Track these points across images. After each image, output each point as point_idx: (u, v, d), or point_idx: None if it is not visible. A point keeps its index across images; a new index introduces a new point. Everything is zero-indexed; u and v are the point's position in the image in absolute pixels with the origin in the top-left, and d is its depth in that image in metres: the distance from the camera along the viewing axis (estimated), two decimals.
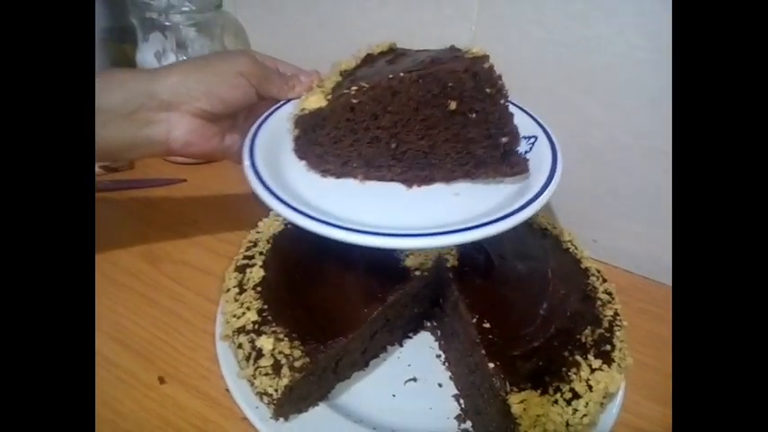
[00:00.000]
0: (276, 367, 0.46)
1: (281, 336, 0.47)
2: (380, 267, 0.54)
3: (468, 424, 0.52)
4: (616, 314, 0.54)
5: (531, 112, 0.59)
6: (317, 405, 0.51)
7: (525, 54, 0.66)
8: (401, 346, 0.60)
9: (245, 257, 0.57)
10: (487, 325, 0.49)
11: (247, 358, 0.48)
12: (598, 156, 0.68)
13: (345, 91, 0.51)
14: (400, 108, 0.49)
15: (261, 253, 0.57)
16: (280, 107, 0.59)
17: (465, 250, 0.56)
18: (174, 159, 0.85)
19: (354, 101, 0.50)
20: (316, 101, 0.52)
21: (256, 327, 0.49)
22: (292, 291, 0.53)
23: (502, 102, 0.48)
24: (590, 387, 0.46)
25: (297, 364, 0.46)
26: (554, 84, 0.67)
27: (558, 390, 0.45)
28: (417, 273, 0.54)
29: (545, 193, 0.48)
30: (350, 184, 0.54)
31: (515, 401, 0.43)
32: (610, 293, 0.56)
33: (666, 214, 0.68)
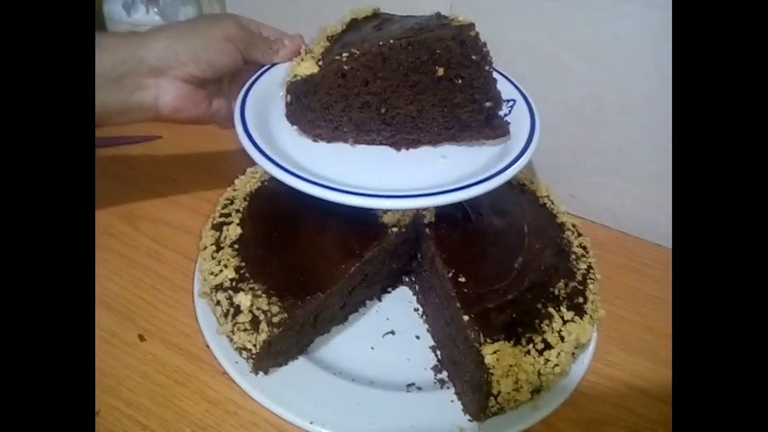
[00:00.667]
0: (254, 323, 0.46)
1: (259, 292, 0.48)
2: (358, 224, 0.54)
3: (444, 374, 0.53)
4: (590, 267, 0.55)
5: (509, 76, 0.60)
6: (297, 359, 0.52)
7: (508, 8, 0.65)
8: (380, 300, 0.60)
9: (222, 215, 0.56)
10: (462, 279, 0.50)
11: (225, 315, 0.48)
12: (579, 112, 0.68)
13: (336, 57, 0.51)
14: (390, 74, 0.51)
15: (237, 210, 0.56)
16: (266, 71, 0.59)
17: (442, 207, 0.56)
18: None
19: (346, 67, 0.51)
20: (307, 67, 0.52)
21: (234, 284, 0.49)
22: (270, 248, 0.53)
23: (487, 68, 0.50)
24: (562, 338, 0.47)
25: (275, 319, 0.46)
26: (535, 39, 0.65)
27: (530, 341, 0.46)
28: (395, 229, 0.54)
29: (523, 156, 0.50)
30: (341, 147, 0.55)
31: (488, 352, 0.45)
32: (584, 247, 0.57)
33: (645, 170, 0.69)
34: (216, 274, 0.50)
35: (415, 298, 0.61)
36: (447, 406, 0.50)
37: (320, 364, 0.52)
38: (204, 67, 0.54)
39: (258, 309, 0.47)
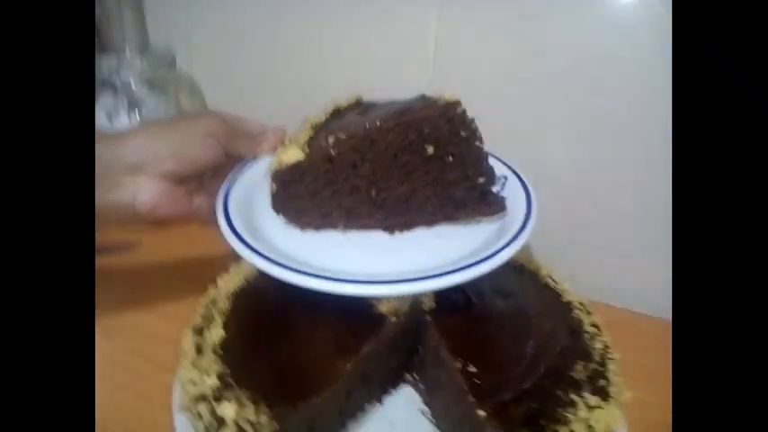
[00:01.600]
0: None
1: (246, 400, 0.42)
2: (352, 316, 0.50)
3: None
4: (606, 347, 0.50)
5: (496, 154, 0.59)
6: None
7: (486, 90, 0.66)
8: (380, 403, 0.54)
9: (203, 318, 0.52)
10: (473, 369, 0.45)
11: (207, 430, 0.42)
12: (567, 190, 0.67)
13: (323, 143, 0.50)
14: (379, 156, 0.50)
15: (221, 312, 0.52)
16: (248, 164, 0.58)
17: (442, 291, 0.52)
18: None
19: (333, 152, 0.49)
20: (293, 154, 0.51)
21: (217, 393, 0.43)
22: (256, 350, 0.48)
23: (477, 143, 0.49)
24: (590, 428, 0.42)
25: (264, 431, 0.40)
26: (516, 120, 0.66)
27: None
28: (393, 319, 0.50)
29: (524, 231, 0.48)
30: (331, 235, 0.53)
31: None
32: (596, 326, 0.53)
33: (644, 243, 0.68)
34: (197, 384, 0.44)
35: (420, 398, 0.55)
36: None
37: None
38: (184, 162, 0.52)
39: (245, 420, 0.41)
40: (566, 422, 0.42)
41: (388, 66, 0.73)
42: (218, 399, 0.43)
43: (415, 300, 0.52)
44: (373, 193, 0.51)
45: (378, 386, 0.53)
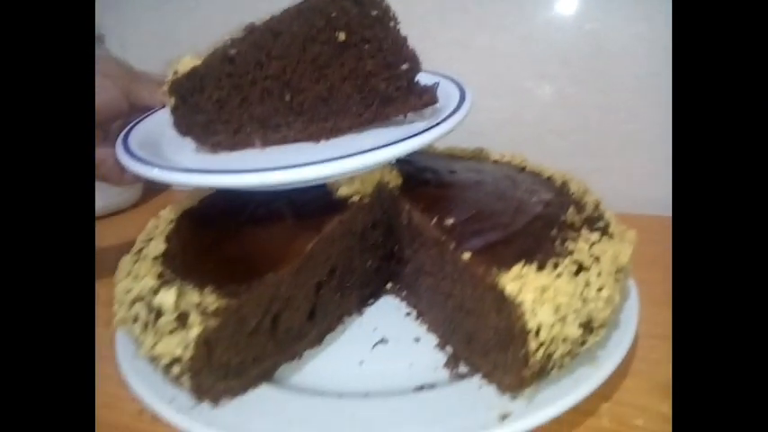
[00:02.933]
0: (181, 319, 0.33)
1: (188, 288, 0.35)
2: (310, 207, 0.44)
3: (462, 368, 0.39)
4: (599, 202, 0.45)
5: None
6: (257, 386, 0.37)
7: None
8: (360, 314, 0.47)
9: (142, 242, 0.45)
10: (451, 220, 0.39)
11: (145, 327, 0.35)
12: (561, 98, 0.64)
13: (220, 44, 0.43)
14: (286, 50, 0.43)
15: (162, 232, 0.45)
16: (155, 112, 0.50)
17: (408, 169, 0.47)
18: None
19: (232, 51, 0.43)
20: (189, 62, 0.44)
21: (154, 290, 0.36)
22: (203, 252, 0.41)
23: (392, 24, 0.43)
24: (596, 258, 0.36)
25: (210, 308, 0.33)
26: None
27: (557, 265, 0.35)
28: (355, 198, 0.44)
29: (461, 109, 0.43)
30: (248, 155, 0.45)
31: (509, 280, 0.33)
32: (585, 191, 0.47)
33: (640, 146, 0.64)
34: (130, 290, 0.37)
35: (404, 303, 0.48)
36: (475, 394, 0.36)
37: (292, 389, 0.38)
38: None
39: (189, 304, 0.34)
40: (567, 254, 0.36)
41: None
42: (156, 292, 0.36)
43: (379, 181, 0.46)
44: (287, 96, 0.44)
45: (354, 294, 0.47)
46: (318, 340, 0.44)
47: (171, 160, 0.43)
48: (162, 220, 0.47)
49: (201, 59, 0.43)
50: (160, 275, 0.37)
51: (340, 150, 0.38)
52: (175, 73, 0.43)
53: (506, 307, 0.32)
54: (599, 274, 0.35)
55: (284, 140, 0.45)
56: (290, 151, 0.44)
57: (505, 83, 0.68)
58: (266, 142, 0.45)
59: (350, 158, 0.36)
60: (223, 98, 0.44)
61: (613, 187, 0.46)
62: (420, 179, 0.46)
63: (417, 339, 0.44)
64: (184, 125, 0.45)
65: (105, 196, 0.76)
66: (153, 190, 0.90)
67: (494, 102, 0.68)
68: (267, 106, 0.44)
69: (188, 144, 0.45)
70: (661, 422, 0.37)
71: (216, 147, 0.45)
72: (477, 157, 0.54)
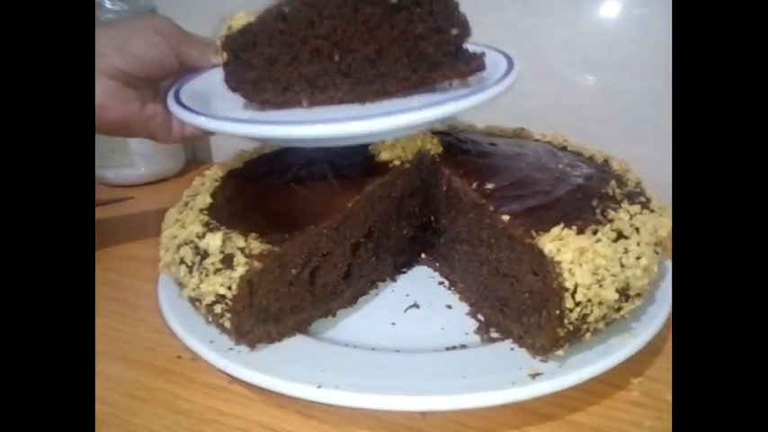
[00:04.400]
0: (227, 261, 0.34)
1: (233, 234, 0.36)
2: (352, 169, 0.45)
3: (494, 333, 0.40)
4: (640, 180, 0.44)
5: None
6: (294, 335, 0.39)
7: None
8: (394, 281, 0.48)
9: (188, 197, 0.46)
10: (491, 185, 0.39)
11: (190, 269, 0.36)
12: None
13: (275, 2, 0.44)
14: (337, 10, 0.43)
15: (207, 189, 0.46)
16: (205, 72, 0.51)
17: (449, 140, 0.47)
18: (118, 181, 0.78)
19: (286, 9, 0.43)
20: (243, 17, 0.45)
21: (200, 235, 0.38)
22: (247, 204, 0.42)
23: None
24: (636, 229, 0.36)
25: (255, 251, 0.34)
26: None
27: (596, 232, 0.35)
28: (396, 162, 0.44)
29: (509, 75, 0.43)
30: (295, 113, 0.46)
31: (547, 242, 0.33)
32: (627, 169, 0.47)
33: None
34: (176, 236, 0.39)
35: (437, 273, 0.49)
36: (506, 354, 0.36)
37: (327, 341, 0.39)
38: (130, 59, 0.45)
39: (233, 247, 0.35)
40: (607, 222, 0.36)
41: None
42: (201, 237, 0.37)
43: (421, 149, 0.46)
44: (336, 56, 0.44)
45: (389, 260, 0.47)
46: (353, 300, 0.45)
47: (220, 113, 0.45)
48: (208, 179, 0.48)
49: (256, 16, 0.44)
50: (206, 224, 0.39)
51: (385, 111, 0.39)
52: (229, 28, 0.45)
53: (544, 266, 0.33)
54: (638, 244, 0.35)
55: (331, 101, 0.46)
56: (336, 111, 0.45)
57: (550, 68, 0.68)
58: (313, 102, 0.46)
59: (393, 116, 0.37)
60: (274, 55, 0.44)
61: (654, 177, 0.46)
62: (460, 148, 0.46)
63: (449, 306, 0.44)
64: (235, 81, 0.46)
65: (149, 164, 0.79)
66: (196, 161, 0.92)
67: (537, 86, 0.68)
68: (316, 66, 0.45)
69: (237, 100, 0.46)
70: None
71: (264, 104, 0.46)
72: (519, 135, 0.54)
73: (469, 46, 0.44)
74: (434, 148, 0.46)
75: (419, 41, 0.43)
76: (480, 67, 0.44)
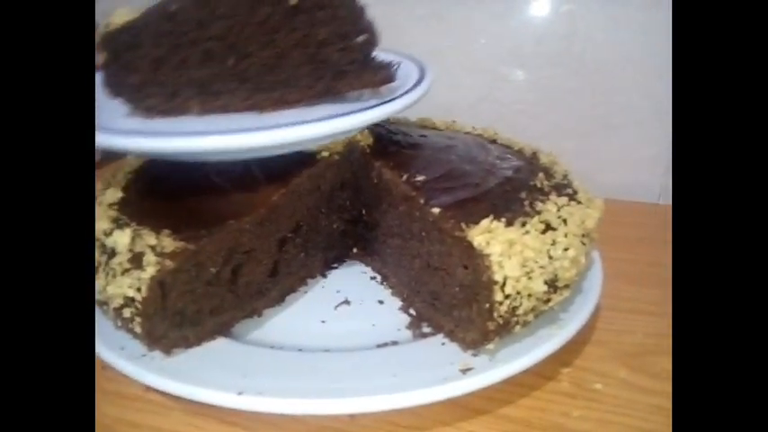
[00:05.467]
0: (136, 260, 0.32)
1: (144, 231, 0.34)
2: (278, 161, 0.42)
3: (426, 328, 0.39)
4: (567, 172, 0.45)
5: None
6: (214, 338, 0.36)
7: None
8: (324, 277, 0.46)
9: (97, 192, 0.42)
10: (421, 178, 0.38)
11: (97, 268, 0.33)
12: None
13: None
14: (232, 9, 0.39)
15: (118, 183, 0.43)
16: None
17: (379, 131, 0.46)
18: None
19: (173, 6, 0.39)
20: (124, 14, 0.39)
21: (107, 232, 0.34)
22: (161, 199, 0.39)
23: None
24: (564, 221, 0.36)
25: (167, 250, 0.32)
26: None
27: (525, 224, 0.34)
28: (325, 154, 0.43)
29: (414, 90, 0.41)
30: (184, 122, 0.41)
31: (476, 234, 0.32)
32: (554, 161, 0.47)
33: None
34: None
35: (369, 268, 0.47)
36: (437, 350, 0.35)
37: (250, 343, 0.37)
38: None
39: (143, 245, 0.32)
40: (535, 213, 0.36)
41: None
42: (109, 234, 0.34)
43: (350, 141, 0.45)
44: (231, 60, 0.40)
45: (319, 256, 0.46)
46: (280, 299, 0.43)
47: (99, 123, 0.36)
48: (120, 171, 0.45)
49: (139, 13, 0.39)
50: (115, 220, 0.36)
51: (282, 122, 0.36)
52: (108, 25, 0.39)
53: (474, 259, 0.32)
54: (566, 235, 0.35)
55: (225, 109, 0.41)
56: (230, 120, 0.40)
57: (480, 61, 0.68)
58: (205, 109, 0.41)
59: (286, 128, 0.34)
60: (160, 57, 0.40)
61: (581, 170, 0.46)
62: (391, 140, 0.45)
63: (381, 302, 0.43)
64: (115, 85, 0.41)
65: None
66: (112, 156, 0.86)
67: (468, 79, 0.68)
68: (208, 70, 0.40)
69: (118, 108, 0.41)
70: (619, 387, 0.37)
71: (150, 111, 0.41)
72: (450, 128, 0.54)
73: (382, 54, 0.41)
74: (365, 139, 0.45)
75: (322, 47, 0.40)
76: (389, 78, 0.41)
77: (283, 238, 0.41)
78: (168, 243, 0.32)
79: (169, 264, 0.31)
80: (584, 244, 0.37)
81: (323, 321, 0.41)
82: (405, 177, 0.39)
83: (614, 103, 0.65)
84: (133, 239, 0.33)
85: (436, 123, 0.55)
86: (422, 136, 0.47)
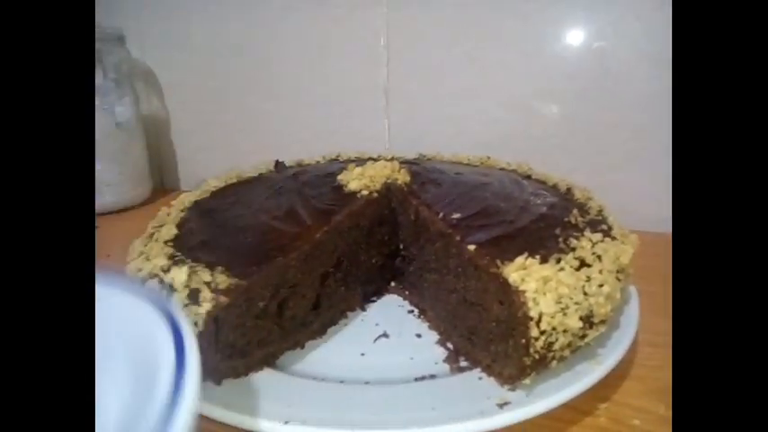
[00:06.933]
0: (193, 296, 0.34)
1: (199, 268, 0.36)
2: (321, 200, 0.45)
3: (463, 363, 0.40)
4: (602, 207, 0.46)
5: None
6: (261, 370, 0.38)
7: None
8: (363, 310, 0.48)
9: (153, 228, 0.46)
10: (457, 215, 0.40)
11: None
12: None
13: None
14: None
15: (173, 219, 0.46)
16: None
17: (416, 169, 0.48)
18: None
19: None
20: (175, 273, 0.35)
21: (165, 269, 0.37)
22: (213, 236, 0.42)
23: None
24: (599, 257, 0.37)
25: (221, 286, 0.34)
26: None
27: (559, 260, 0.35)
28: (364, 192, 0.45)
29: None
30: None
31: (512, 271, 0.33)
32: (589, 197, 0.48)
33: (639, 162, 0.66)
34: (141, 269, 0.38)
35: (406, 302, 0.49)
36: (474, 384, 0.36)
37: (295, 374, 0.39)
38: None
39: (199, 281, 0.35)
40: (569, 250, 0.37)
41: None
42: (166, 271, 0.36)
43: (388, 177, 0.47)
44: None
45: (358, 289, 0.47)
46: (321, 331, 0.44)
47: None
48: (173, 209, 0.48)
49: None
50: (171, 256, 0.38)
51: None
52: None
53: (509, 296, 0.33)
54: (600, 272, 0.35)
55: None
56: None
57: (513, 97, 0.70)
58: None
59: None
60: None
61: (616, 204, 0.47)
62: (427, 178, 0.47)
63: (419, 335, 0.44)
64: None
65: (115, 192, 0.78)
66: (163, 189, 0.91)
67: (501, 115, 0.70)
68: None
69: None
70: (658, 423, 0.37)
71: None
72: (485, 164, 0.55)
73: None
74: (402, 177, 0.47)
75: None
76: None
77: (325, 272, 0.43)
78: (222, 279, 0.35)
79: (223, 299, 0.34)
80: (618, 280, 0.37)
81: (362, 354, 0.42)
82: (441, 215, 0.40)
83: (648, 136, 0.65)
84: (189, 276, 0.35)
85: (471, 160, 0.57)
86: (457, 174, 0.49)
